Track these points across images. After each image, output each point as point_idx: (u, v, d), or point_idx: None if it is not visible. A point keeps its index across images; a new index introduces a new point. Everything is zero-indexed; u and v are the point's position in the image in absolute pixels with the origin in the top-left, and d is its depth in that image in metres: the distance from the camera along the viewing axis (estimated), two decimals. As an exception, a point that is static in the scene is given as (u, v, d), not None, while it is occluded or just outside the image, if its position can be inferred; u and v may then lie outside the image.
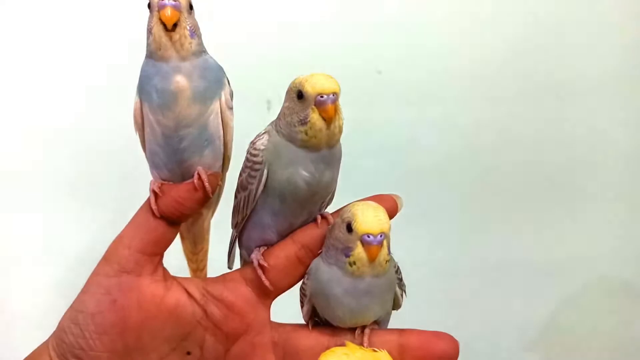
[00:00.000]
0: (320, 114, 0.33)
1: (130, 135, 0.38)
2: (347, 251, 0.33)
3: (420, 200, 0.64)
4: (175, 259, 0.40)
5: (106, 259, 0.36)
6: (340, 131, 0.34)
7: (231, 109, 0.37)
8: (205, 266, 0.43)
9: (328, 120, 0.33)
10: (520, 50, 0.71)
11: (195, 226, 0.41)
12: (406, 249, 0.41)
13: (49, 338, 0.36)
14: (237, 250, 0.40)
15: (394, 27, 0.68)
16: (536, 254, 0.72)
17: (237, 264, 0.41)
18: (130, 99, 0.39)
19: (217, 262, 0.43)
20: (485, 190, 0.71)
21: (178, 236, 0.42)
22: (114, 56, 0.66)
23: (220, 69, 0.36)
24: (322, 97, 0.32)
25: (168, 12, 0.34)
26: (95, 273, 0.36)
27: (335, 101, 0.33)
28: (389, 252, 0.34)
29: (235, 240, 0.39)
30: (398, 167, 0.67)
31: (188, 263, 0.43)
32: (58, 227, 0.69)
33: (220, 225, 0.43)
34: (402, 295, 0.37)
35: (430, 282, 0.63)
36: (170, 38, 0.34)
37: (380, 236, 0.32)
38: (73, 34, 0.68)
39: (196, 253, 0.43)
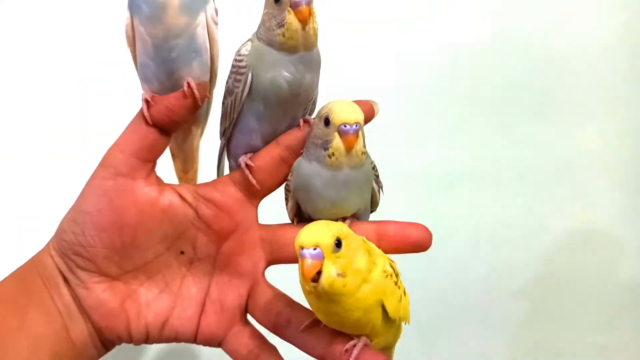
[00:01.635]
0: (295, 16, 0.35)
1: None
2: (325, 144, 0.36)
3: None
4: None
5: (102, 164, 0.38)
6: (315, 34, 0.37)
7: (217, 24, 0.39)
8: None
9: (303, 21, 0.35)
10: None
11: (185, 144, 0.44)
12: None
13: (49, 241, 0.39)
14: (226, 165, 0.43)
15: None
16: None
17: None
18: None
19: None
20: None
21: (171, 162, 0.45)
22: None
23: None
24: None
25: None
26: (92, 177, 0.38)
27: (309, 3, 0.35)
28: (365, 145, 0.37)
29: (223, 150, 0.42)
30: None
31: (179, 183, 0.46)
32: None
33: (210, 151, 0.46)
34: (379, 192, 0.39)
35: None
36: None
37: (356, 125, 0.35)
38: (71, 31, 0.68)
39: (187, 172, 0.45)
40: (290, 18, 0.35)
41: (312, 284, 0.30)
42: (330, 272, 0.30)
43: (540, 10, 0.74)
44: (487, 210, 0.72)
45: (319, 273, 0.30)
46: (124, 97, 0.65)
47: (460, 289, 0.72)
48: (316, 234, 0.30)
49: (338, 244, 0.31)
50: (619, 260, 0.74)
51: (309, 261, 0.29)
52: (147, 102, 0.38)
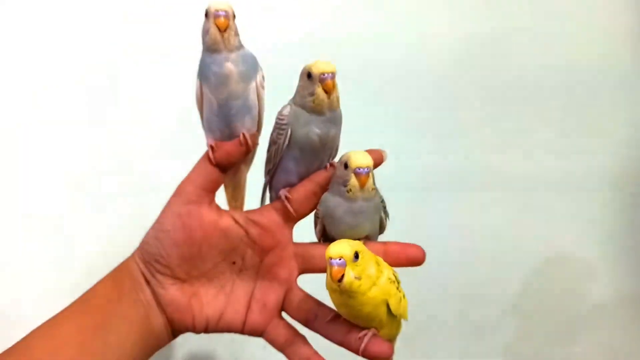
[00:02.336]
0: (322, 88, 0.46)
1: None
2: (345, 182, 0.47)
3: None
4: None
5: (176, 194, 0.49)
6: (338, 100, 0.48)
7: (263, 88, 0.51)
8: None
9: (328, 92, 0.46)
10: (473, 56, 0.82)
11: (235, 178, 0.54)
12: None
13: (134, 251, 0.50)
14: (267, 195, 0.55)
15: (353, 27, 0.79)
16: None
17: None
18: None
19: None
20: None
21: (223, 192, 0.56)
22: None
23: (255, 58, 0.49)
24: (324, 75, 0.46)
25: (222, 19, 0.47)
26: (169, 204, 0.49)
27: (333, 79, 0.46)
28: (374, 184, 0.48)
29: (266, 185, 0.54)
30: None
31: (229, 208, 0.58)
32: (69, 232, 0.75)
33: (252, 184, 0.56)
34: (385, 220, 0.51)
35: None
36: (222, 37, 0.47)
37: (367, 169, 0.46)
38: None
39: (236, 200, 0.56)
40: (319, 90, 0.47)
41: (337, 283, 0.42)
42: (350, 276, 0.42)
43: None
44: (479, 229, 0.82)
45: (343, 276, 0.42)
46: (123, 96, 0.75)
47: (452, 302, 0.82)
48: (341, 249, 0.42)
49: (356, 256, 0.42)
50: (590, 280, 0.84)
51: (335, 267, 0.41)
52: (211, 147, 0.50)
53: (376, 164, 0.49)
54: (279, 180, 0.51)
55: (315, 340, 0.49)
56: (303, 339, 0.49)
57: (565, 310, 0.85)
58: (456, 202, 0.82)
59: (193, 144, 0.52)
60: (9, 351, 0.43)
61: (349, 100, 0.53)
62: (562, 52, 0.84)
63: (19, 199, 0.74)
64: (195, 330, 0.50)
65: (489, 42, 0.82)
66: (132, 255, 0.50)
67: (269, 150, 0.51)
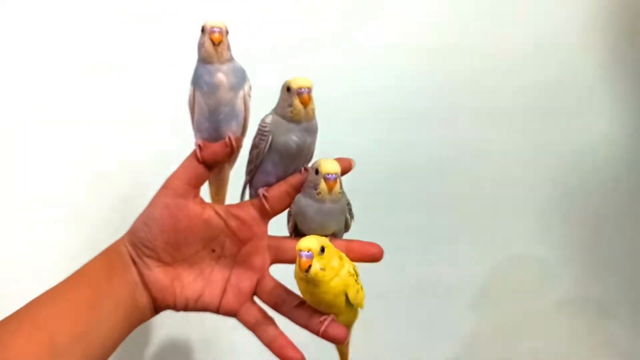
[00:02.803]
0: (300, 101, 0.52)
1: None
2: (315, 186, 0.53)
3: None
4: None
5: (165, 186, 0.55)
6: (313, 111, 0.53)
7: (250, 97, 0.57)
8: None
9: (304, 104, 0.52)
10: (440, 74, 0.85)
11: (219, 175, 0.60)
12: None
13: (124, 235, 0.55)
14: (247, 192, 0.61)
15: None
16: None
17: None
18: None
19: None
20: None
21: (207, 187, 0.61)
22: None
23: (244, 70, 0.55)
24: (301, 90, 0.52)
25: (216, 35, 0.52)
26: (157, 195, 0.54)
27: (309, 93, 0.51)
28: (341, 188, 0.54)
29: (247, 183, 0.60)
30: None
31: (212, 201, 0.63)
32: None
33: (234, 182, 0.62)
34: (350, 220, 0.58)
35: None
36: (216, 51, 0.53)
37: (335, 175, 0.52)
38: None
39: (218, 195, 0.61)
40: (297, 102, 0.52)
41: (305, 273, 0.48)
42: (316, 266, 0.48)
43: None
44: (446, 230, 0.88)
45: (310, 267, 0.48)
46: (123, 96, 0.77)
47: (409, 296, 0.88)
48: (309, 243, 0.48)
49: (322, 250, 0.49)
50: (545, 279, 0.91)
51: (304, 259, 0.48)
52: (199, 146, 0.55)
53: (344, 171, 0.56)
54: (258, 180, 0.57)
55: (283, 323, 0.56)
56: (272, 320, 0.55)
57: (518, 308, 0.90)
58: (415, 202, 0.87)
59: (191, 143, 0.57)
60: (13, 316, 0.49)
61: (324, 111, 0.59)
62: (513, 64, 0.89)
63: (19, 199, 0.75)
64: (176, 308, 0.56)
65: (450, 58, 0.88)
66: (122, 239, 0.56)
67: (251, 153, 0.57)
